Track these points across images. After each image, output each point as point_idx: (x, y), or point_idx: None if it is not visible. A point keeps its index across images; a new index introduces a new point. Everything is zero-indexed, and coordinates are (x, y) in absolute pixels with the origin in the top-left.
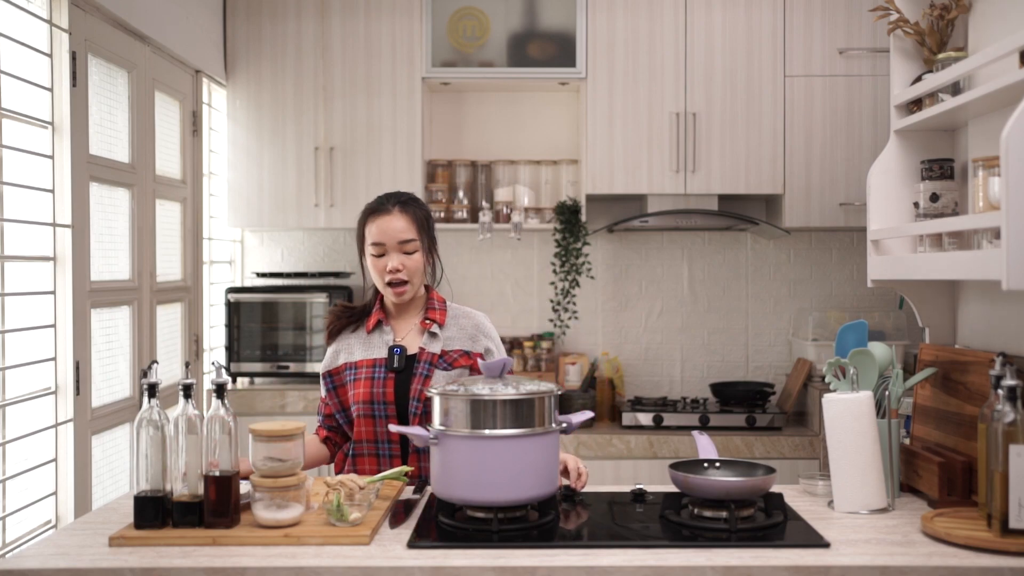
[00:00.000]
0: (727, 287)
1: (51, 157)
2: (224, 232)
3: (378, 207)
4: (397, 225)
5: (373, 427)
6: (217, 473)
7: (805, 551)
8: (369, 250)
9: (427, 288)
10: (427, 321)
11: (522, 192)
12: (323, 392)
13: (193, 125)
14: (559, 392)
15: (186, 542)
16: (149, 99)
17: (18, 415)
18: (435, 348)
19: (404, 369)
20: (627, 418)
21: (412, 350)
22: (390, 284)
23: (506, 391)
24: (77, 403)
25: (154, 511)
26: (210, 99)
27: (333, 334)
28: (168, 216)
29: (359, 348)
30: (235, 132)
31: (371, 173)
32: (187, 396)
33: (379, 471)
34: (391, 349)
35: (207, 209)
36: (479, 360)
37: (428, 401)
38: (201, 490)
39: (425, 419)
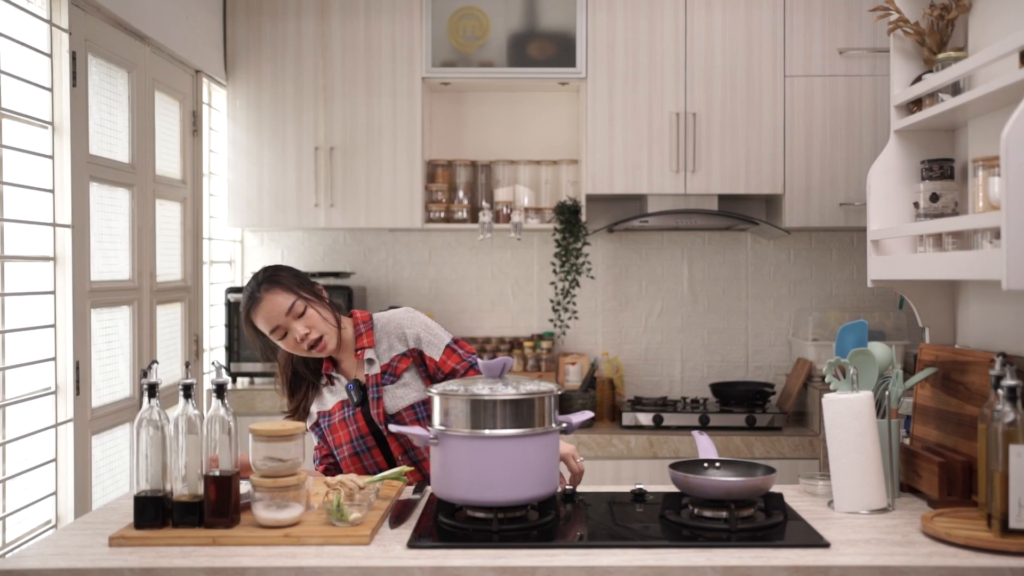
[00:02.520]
0: (727, 287)
1: (51, 157)
2: (224, 232)
3: (249, 303)
4: (275, 302)
5: (360, 463)
6: (217, 473)
7: (805, 551)
8: (271, 340)
9: (352, 316)
10: (358, 352)
11: (522, 192)
12: (316, 441)
13: (193, 125)
14: (559, 392)
15: (186, 542)
16: (149, 99)
17: (18, 415)
18: (375, 370)
19: (364, 399)
20: (627, 418)
21: (363, 379)
22: (310, 348)
23: (506, 391)
24: (77, 403)
25: (154, 511)
26: (210, 99)
27: (294, 397)
28: (168, 216)
29: (328, 397)
30: (235, 132)
31: (371, 173)
32: (187, 396)
33: None
34: (347, 387)
35: (207, 209)
36: (480, 363)
37: (397, 415)
38: (201, 490)
39: (399, 434)
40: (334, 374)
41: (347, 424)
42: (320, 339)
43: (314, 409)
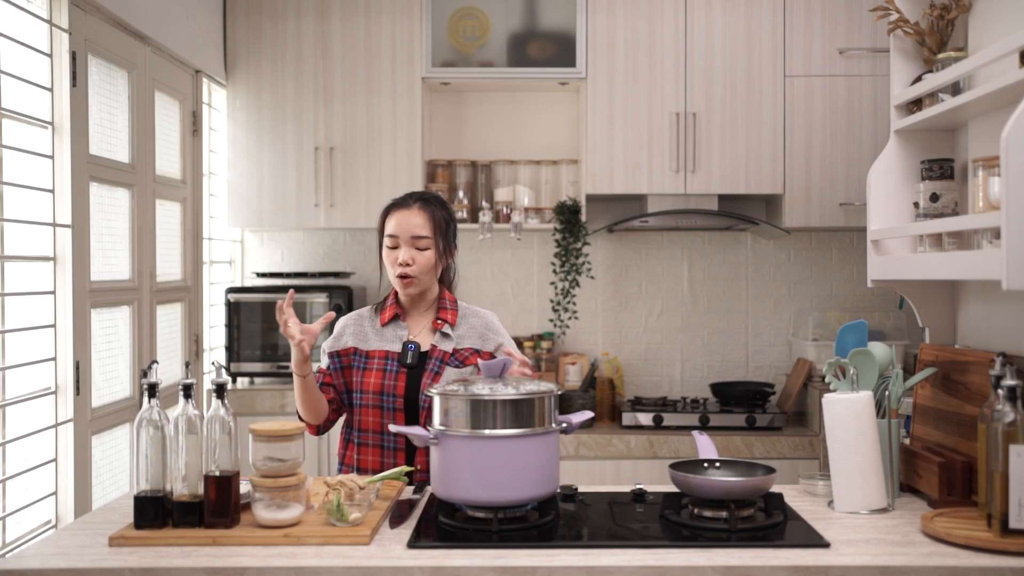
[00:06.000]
0: (727, 287)
1: (51, 157)
2: (224, 232)
3: (400, 202)
4: (414, 221)
5: (380, 419)
6: (217, 473)
7: (805, 551)
8: (385, 241)
9: (441, 288)
10: (439, 321)
11: (522, 192)
12: (324, 365)
13: (193, 125)
14: (559, 392)
15: (186, 542)
16: (149, 99)
17: (18, 415)
18: (447, 346)
19: (416, 365)
20: (627, 418)
21: (424, 347)
22: (399, 277)
23: (506, 391)
24: (77, 403)
25: (154, 511)
26: (210, 99)
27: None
28: (168, 216)
29: (373, 338)
30: (235, 132)
31: (371, 173)
32: (187, 396)
33: (383, 463)
34: (406, 344)
35: (207, 209)
36: (479, 360)
37: None
38: (201, 490)
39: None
40: (400, 321)
41: (384, 376)
42: (412, 279)
43: (348, 339)
